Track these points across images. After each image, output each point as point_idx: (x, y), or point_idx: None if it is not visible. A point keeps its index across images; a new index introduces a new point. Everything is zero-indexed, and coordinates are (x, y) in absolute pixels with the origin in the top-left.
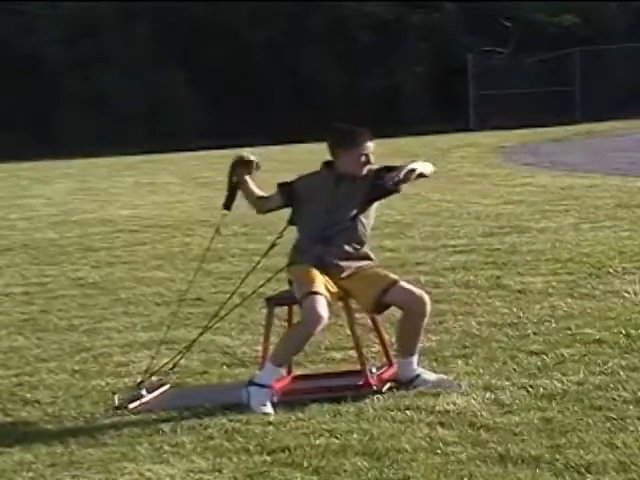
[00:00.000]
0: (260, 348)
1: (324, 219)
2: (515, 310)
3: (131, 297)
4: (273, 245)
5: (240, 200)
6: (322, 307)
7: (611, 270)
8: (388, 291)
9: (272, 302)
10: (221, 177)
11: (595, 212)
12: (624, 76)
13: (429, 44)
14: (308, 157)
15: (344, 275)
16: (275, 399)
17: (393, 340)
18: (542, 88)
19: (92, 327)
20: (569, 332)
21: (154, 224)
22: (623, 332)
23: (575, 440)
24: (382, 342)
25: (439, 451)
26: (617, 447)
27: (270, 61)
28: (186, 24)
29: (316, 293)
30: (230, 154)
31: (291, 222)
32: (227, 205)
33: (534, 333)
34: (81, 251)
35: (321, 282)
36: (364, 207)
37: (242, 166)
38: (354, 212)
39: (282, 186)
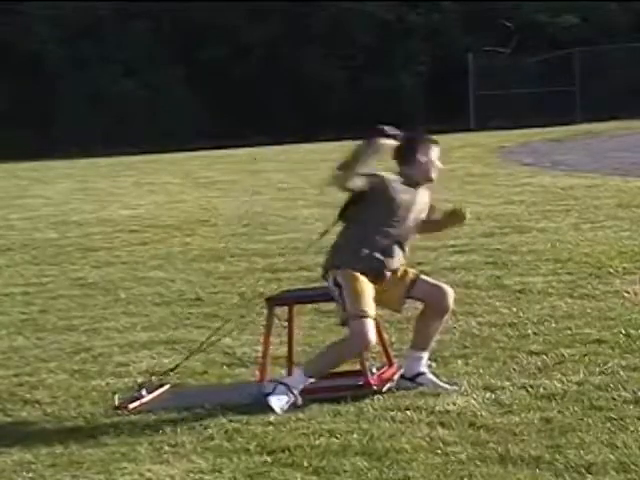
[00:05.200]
0: (260, 348)
1: (399, 230)
2: (515, 310)
3: (131, 297)
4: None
5: (240, 200)
6: (371, 331)
7: (611, 270)
8: (413, 286)
9: (272, 302)
10: (221, 177)
11: (595, 212)
12: (624, 76)
13: (429, 44)
14: (308, 157)
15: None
16: (299, 402)
17: (393, 340)
18: (542, 88)
19: (92, 327)
20: (569, 332)
21: (154, 224)
22: (623, 332)
23: (575, 440)
24: (382, 342)
25: (439, 451)
26: (617, 447)
27: (270, 61)
28: (186, 24)
29: (367, 316)
30: (230, 154)
31: (343, 217)
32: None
33: (534, 333)
34: (81, 251)
35: (372, 301)
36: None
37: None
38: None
39: (370, 175)
